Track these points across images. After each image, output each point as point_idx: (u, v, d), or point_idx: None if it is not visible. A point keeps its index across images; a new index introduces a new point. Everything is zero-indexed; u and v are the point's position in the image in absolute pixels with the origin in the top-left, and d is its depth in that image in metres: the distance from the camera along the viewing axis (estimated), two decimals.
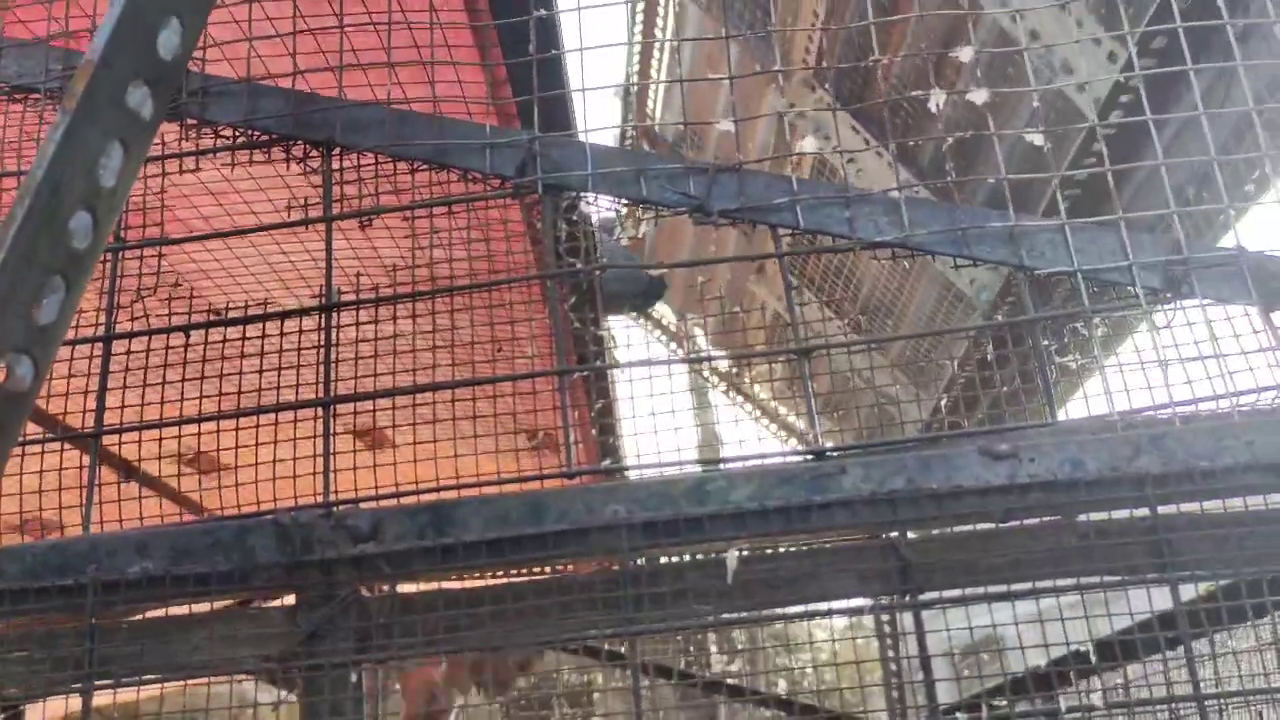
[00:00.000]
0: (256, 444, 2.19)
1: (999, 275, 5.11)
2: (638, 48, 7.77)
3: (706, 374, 8.71)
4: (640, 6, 7.38)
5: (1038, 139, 2.09)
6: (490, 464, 2.31)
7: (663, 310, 9.01)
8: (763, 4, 6.54)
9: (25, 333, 1.50)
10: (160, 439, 2.17)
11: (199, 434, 2.19)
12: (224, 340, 2.15)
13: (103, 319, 2.17)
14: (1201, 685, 1.70)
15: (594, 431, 3.03)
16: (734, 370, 8.77)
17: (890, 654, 5.09)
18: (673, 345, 9.00)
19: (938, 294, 6.52)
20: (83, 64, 1.56)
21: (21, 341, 1.50)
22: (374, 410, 2.01)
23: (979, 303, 5.81)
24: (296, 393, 2.07)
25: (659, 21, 7.39)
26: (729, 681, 6.12)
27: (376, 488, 1.97)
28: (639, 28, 7.55)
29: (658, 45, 7.10)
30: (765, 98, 6.45)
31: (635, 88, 7.46)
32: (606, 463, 2.96)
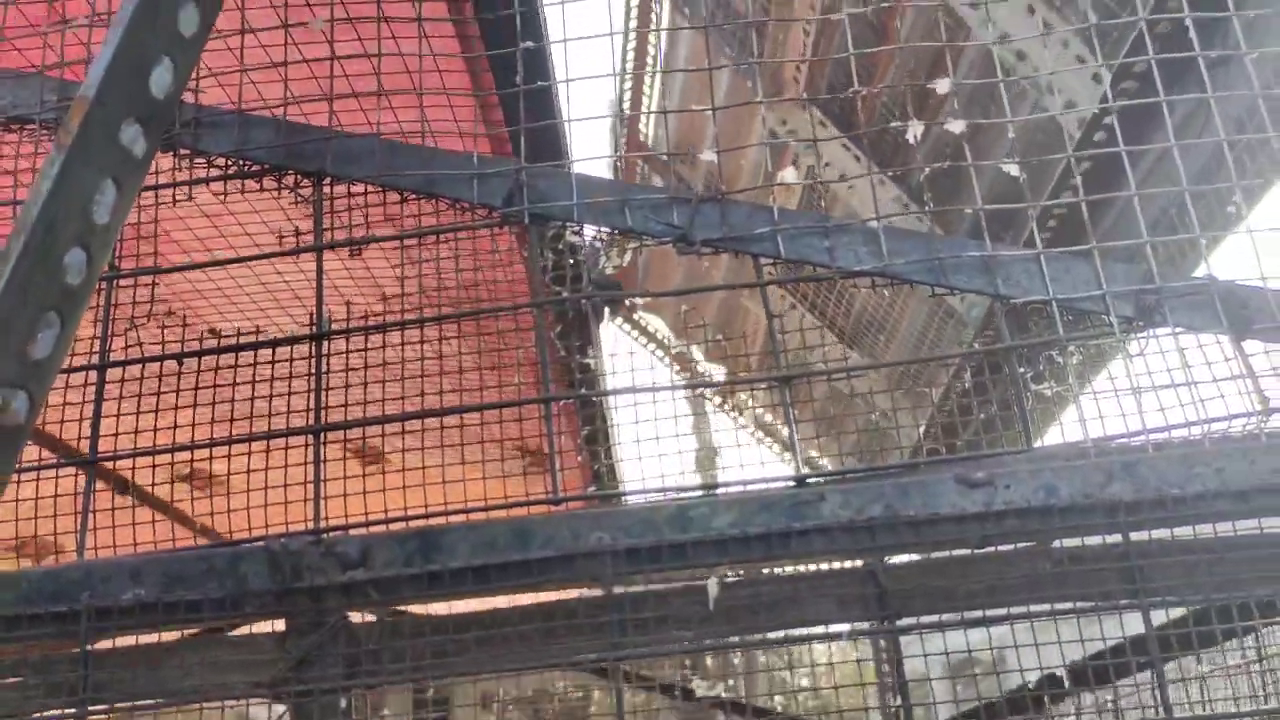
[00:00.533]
0: (249, 471, 2.22)
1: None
2: (629, 61, 7.83)
3: (702, 391, 8.75)
4: (633, 24, 7.45)
5: (1014, 170, 2.13)
6: (481, 488, 2.34)
7: (657, 324, 9.07)
8: (753, 22, 6.59)
9: (20, 368, 1.54)
10: (154, 464, 2.21)
11: (192, 460, 2.22)
12: (217, 367, 2.18)
13: (97, 346, 2.20)
14: (1174, 709, 1.74)
15: (579, 457, 3.07)
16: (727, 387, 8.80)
17: (887, 673, 5.10)
18: (666, 359, 9.04)
19: (929, 309, 6.57)
20: (77, 100, 1.60)
21: (16, 377, 1.54)
22: (364, 437, 2.05)
23: (969, 319, 5.86)
24: (288, 420, 2.10)
25: (651, 39, 7.45)
26: (723, 696, 6.13)
27: (366, 514, 2.01)
28: (632, 43, 7.60)
29: (649, 68, 7.15)
30: (757, 113, 6.51)
31: (626, 107, 7.51)
32: (593, 489, 3.00)
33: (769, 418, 9.03)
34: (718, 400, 9.03)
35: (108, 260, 1.70)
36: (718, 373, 8.85)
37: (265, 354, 2.23)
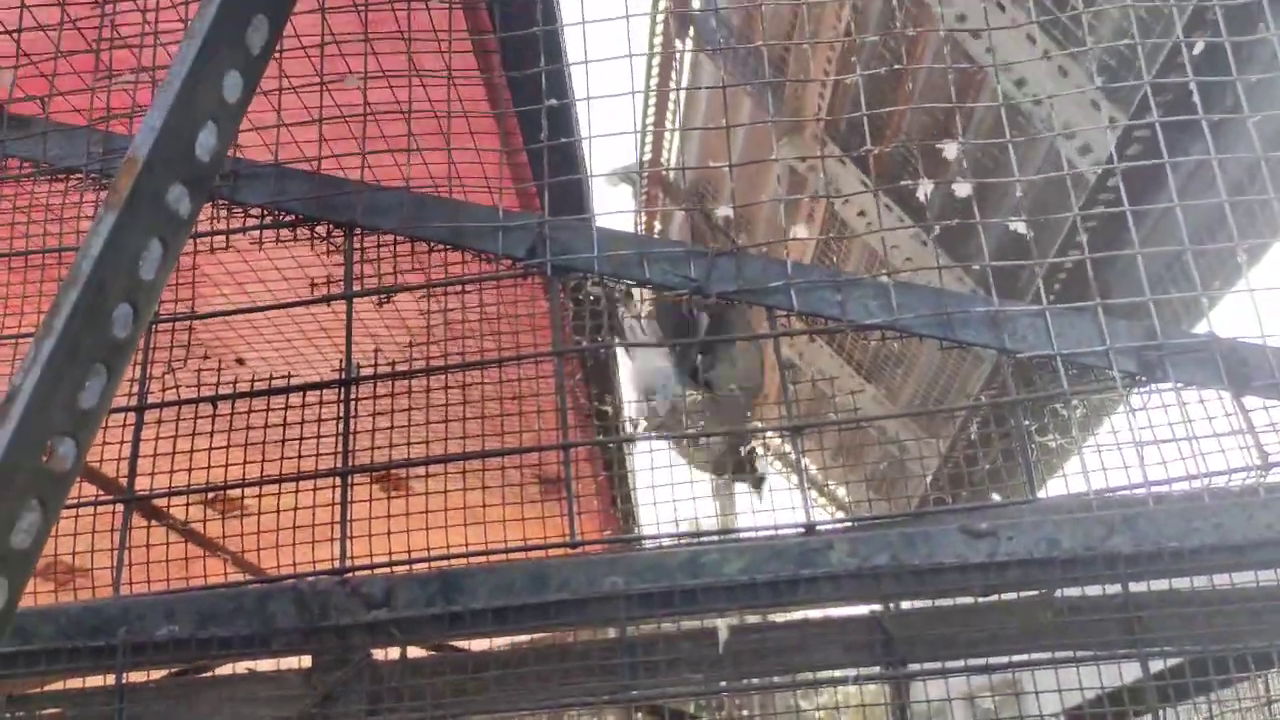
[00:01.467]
0: (279, 511, 2.31)
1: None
2: (651, 93, 7.94)
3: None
4: (656, 54, 7.57)
5: (1021, 228, 2.20)
6: (501, 522, 2.42)
7: None
8: (774, 60, 6.70)
9: (69, 418, 1.63)
10: (188, 503, 2.30)
11: (224, 495, 2.30)
12: (250, 410, 2.27)
13: (135, 389, 2.30)
14: None
15: (598, 502, 3.14)
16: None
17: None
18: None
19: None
20: (126, 162, 1.70)
21: (66, 426, 1.63)
22: (390, 478, 2.13)
23: (986, 353, 5.90)
24: (316, 461, 2.19)
25: (673, 74, 7.56)
26: None
27: (390, 553, 2.09)
28: (654, 77, 7.72)
29: (670, 107, 7.26)
30: (778, 150, 6.59)
31: (649, 142, 7.62)
32: (607, 533, 3.07)
33: (786, 447, 9.08)
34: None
35: (153, 313, 1.78)
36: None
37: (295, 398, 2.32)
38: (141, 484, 2.30)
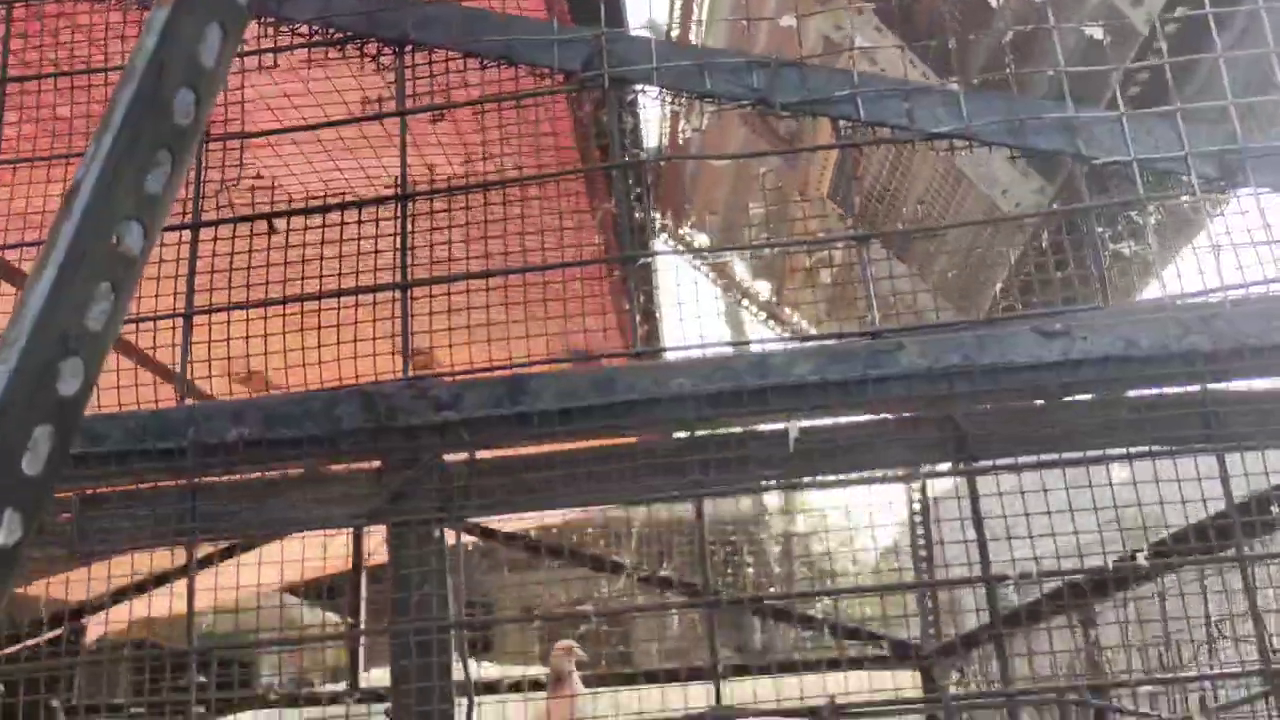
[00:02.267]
0: (338, 330, 2.29)
1: (1044, 196, 5.10)
2: None
3: (745, 304, 8.74)
4: None
5: (1097, 33, 2.12)
6: (556, 345, 2.39)
7: (702, 241, 9.02)
8: None
9: (136, 202, 1.60)
10: (248, 324, 2.28)
11: (274, 331, 2.26)
12: (305, 228, 2.24)
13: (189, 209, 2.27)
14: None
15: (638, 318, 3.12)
16: (774, 300, 8.79)
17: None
18: (710, 274, 9.02)
19: (981, 216, 6.49)
20: None
21: (132, 210, 1.60)
22: (449, 293, 2.10)
23: (1024, 223, 5.79)
24: (375, 277, 2.17)
25: None
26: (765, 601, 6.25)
27: (453, 365, 2.07)
28: None
29: None
30: (812, 20, 6.38)
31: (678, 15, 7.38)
32: (668, 343, 3.06)
33: (813, 331, 9.02)
34: (762, 316, 9.03)
35: (214, 103, 1.73)
36: (763, 289, 8.83)
37: (351, 217, 2.28)
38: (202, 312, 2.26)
